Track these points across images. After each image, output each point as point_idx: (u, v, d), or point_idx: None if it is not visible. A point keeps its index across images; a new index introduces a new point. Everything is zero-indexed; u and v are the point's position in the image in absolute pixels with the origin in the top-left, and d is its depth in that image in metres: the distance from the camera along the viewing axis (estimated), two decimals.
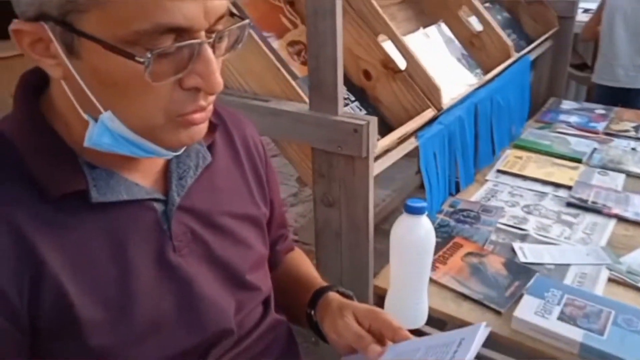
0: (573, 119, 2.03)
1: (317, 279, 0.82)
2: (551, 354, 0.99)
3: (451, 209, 1.44)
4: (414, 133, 1.28)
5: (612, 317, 1.01)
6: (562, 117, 2.05)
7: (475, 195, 1.53)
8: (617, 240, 1.31)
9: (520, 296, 1.09)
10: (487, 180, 1.61)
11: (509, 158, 1.72)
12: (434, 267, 1.20)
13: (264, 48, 1.08)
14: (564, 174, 1.62)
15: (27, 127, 0.56)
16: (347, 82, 1.37)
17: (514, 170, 1.65)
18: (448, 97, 1.41)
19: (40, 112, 0.57)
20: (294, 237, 2.47)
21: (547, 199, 1.50)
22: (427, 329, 1.08)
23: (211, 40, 0.51)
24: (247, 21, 0.57)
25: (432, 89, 1.32)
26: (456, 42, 1.75)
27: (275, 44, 1.28)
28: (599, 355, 0.95)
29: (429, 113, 1.29)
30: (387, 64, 1.34)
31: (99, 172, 0.57)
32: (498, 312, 1.07)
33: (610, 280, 1.17)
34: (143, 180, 0.61)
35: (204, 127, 0.57)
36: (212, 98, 0.56)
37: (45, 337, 0.54)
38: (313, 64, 0.95)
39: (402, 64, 1.34)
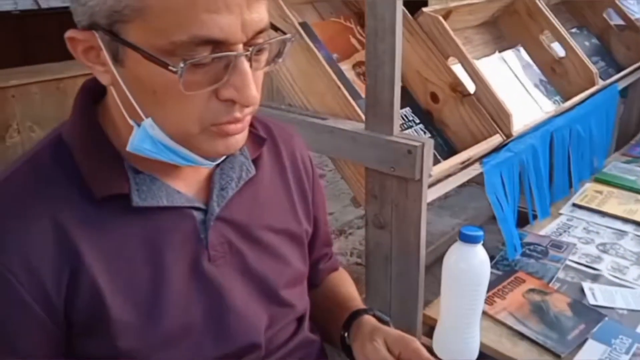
0: None
1: (356, 301, 0.80)
2: None
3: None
4: (480, 159, 1.24)
5: None
6: None
7: (545, 229, 1.44)
8: None
9: (584, 341, 1.01)
10: (560, 214, 1.52)
11: (587, 192, 1.61)
12: (491, 301, 1.15)
13: (327, 67, 1.09)
14: None
15: (80, 131, 0.59)
16: (413, 105, 1.36)
17: (592, 206, 1.54)
18: (520, 124, 1.35)
19: (94, 117, 0.60)
20: (356, 259, 2.45)
21: (627, 238, 1.39)
22: None
23: (248, 53, 0.52)
24: (288, 36, 0.58)
25: (502, 114, 1.27)
26: (535, 67, 1.68)
27: (343, 64, 1.29)
28: None
29: (496, 139, 1.24)
30: (456, 87, 1.31)
31: (143, 177, 0.59)
32: (557, 356, 1.00)
33: None
34: (186, 188, 0.63)
35: (240, 138, 0.58)
36: (248, 110, 0.56)
37: (78, 332, 0.56)
38: (371, 83, 0.94)
39: (471, 87, 1.31)
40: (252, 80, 0.53)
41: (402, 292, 1.04)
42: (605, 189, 1.63)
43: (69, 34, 0.53)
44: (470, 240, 0.94)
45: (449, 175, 1.17)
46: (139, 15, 0.49)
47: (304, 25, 1.29)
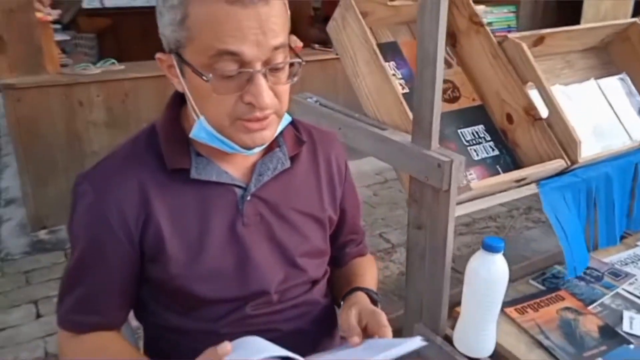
0: None
1: (363, 280, 0.99)
2: None
3: None
4: (538, 181, 1.32)
5: None
6: None
7: (613, 256, 1.46)
8: None
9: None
10: (637, 245, 1.51)
11: None
12: (523, 311, 1.24)
13: (395, 85, 1.27)
14: None
15: (166, 123, 0.86)
16: (488, 123, 1.47)
17: None
18: (593, 152, 1.39)
19: (178, 115, 0.87)
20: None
21: None
22: None
23: (263, 70, 0.75)
24: (297, 60, 0.79)
25: (570, 140, 1.33)
26: (638, 96, 1.66)
27: None
28: None
29: (557, 163, 1.31)
30: (530, 110, 1.39)
31: (202, 159, 0.85)
32: None
33: None
34: (233, 171, 0.88)
35: (266, 135, 0.81)
36: (268, 112, 0.78)
37: (147, 258, 0.84)
38: (417, 103, 1.10)
39: (545, 113, 1.38)
40: (266, 90, 0.75)
41: (432, 287, 1.19)
42: None
43: (158, 55, 0.80)
44: (491, 249, 1.07)
45: (503, 191, 1.29)
46: (190, 42, 0.74)
47: (390, 44, 1.48)
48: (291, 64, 0.80)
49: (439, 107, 1.08)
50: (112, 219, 0.81)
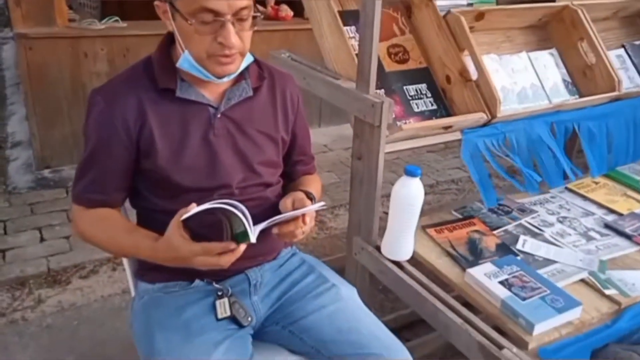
0: None
1: (306, 188, 1.29)
2: (483, 304, 1.28)
3: None
4: (462, 129, 1.62)
5: (544, 294, 1.26)
6: None
7: (526, 198, 1.77)
8: (623, 261, 1.46)
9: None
10: (548, 192, 1.82)
11: (584, 180, 1.88)
12: (440, 231, 1.55)
13: (348, 44, 1.55)
14: (628, 204, 1.73)
15: (159, 54, 1.15)
16: (431, 83, 1.76)
17: (581, 191, 1.81)
18: (512, 110, 1.69)
19: (168, 49, 1.16)
20: None
21: (590, 218, 1.67)
22: (406, 264, 1.44)
23: (232, 20, 1.03)
24: (257, 14, 1.08)
25: (492, 98, 1.63)
26: (562, 68, 1.95)
27: (382, 44, 1.73)
28: (512, 312, 1.22)
29: (478, 115, 1.60)
30: (463, 72, 1.68)
31: (185, 83, 1.14)
32: (463, 269, 1.39)
33: (582, 281, 1.37)
34: (209, 94, 1.17)
35: (232, 67, 1.09)
36: (234, 50, 1.07)
37: (141, 154, 1.13)
38: (360, 57, 1.39)
39: (475, 75, 1.67)
40: (233, 34, 1.04)
41: (367, 206, 1.50)
42: (604, 181, 1.88)
43: (156, 2, 1.09)
44: (410, 174, 1.37)
45: (432, 135, 1.59)
46: None
47: (353, 12, 1.75)
48: (254, 16, 1.08)
49: (376, 59, 1.37)
50: (117, 122, 1.10)
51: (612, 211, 1.70)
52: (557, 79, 1.91)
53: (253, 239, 1.00)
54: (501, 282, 1.30)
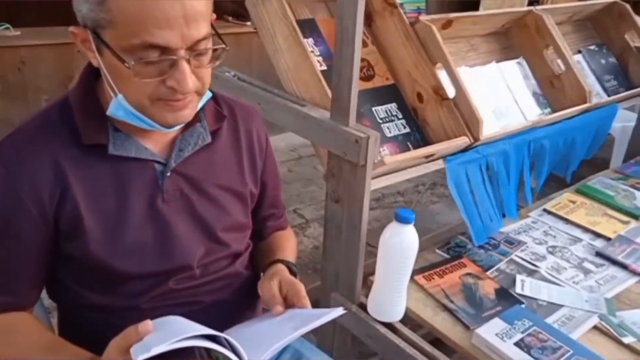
0: None
1: (284, 253, 1.02)
2: None
3: None
4: (445, 157, 1.41)
5: (567, 356, 1.08)
6: None
7: (508, 227, 1.60)
8: (628, 297, 1.33)
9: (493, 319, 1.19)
10: (528, 216, 1.67)
11: (562, 200, 1.75)
12: (430, 278, 1.34)
13: (313, 61, 1.29)
14: (611, 226, 1.61)
15: (80, 95, 0.83)
16: (400, 101, 1.54)
17: (561, 213, 1.68)
18: (493, 130, 1.51)
19: (93, 87, 0.84)
20: None
21: (579, 245, 1.53)
22: (400, 325, 1.22)
23: (187, 57, 0.74)
24: (222, 46, 0.79)
25: (473, 119, 1.43)
26: (532, 79, 1.80)
27: None
28: None
29: (461, 140, 1.40)
30: (438, 90, 1.47)
31: (120, 134, 0.83)
32: (467, 327, 1.18)
33: (595, 328, 1.21)
34: (153, 146, 0.86)
35: (187, 113, 0.80)
36: (189, 94, 0.78)
37: (63, 237, 0.81)
38: (335, 81, 1.14)
39: (452, 92, 1.47)
40: (189, 76, 0.75)
41: (348, 257, 1.25)
42: (580, 199, 1.76)
43: (71, 29, 0.77)
44: (403, 220, 1.14)
45: (413, 166, 1.36)
46: (110, 25, 0.72)
47: (308, 21, 1.49)
48: (214, 49, 0.80)
49: (357, 85, 1.12)
50: (24, 194, 0.78)
51: (597, 235, 1.58)
52: (529, 92, 1.76)
53: None
54: (517, 344, 1.10)
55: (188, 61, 0.75)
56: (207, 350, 0.70)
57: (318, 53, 1.45)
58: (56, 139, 0.80)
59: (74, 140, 0.81)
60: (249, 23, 3.26)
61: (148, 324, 0.67)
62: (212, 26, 0.79)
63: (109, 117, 0.82)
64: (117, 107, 0.78)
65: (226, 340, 0.69)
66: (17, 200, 0.78)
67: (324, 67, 1.42)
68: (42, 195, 0.78)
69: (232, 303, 0.96)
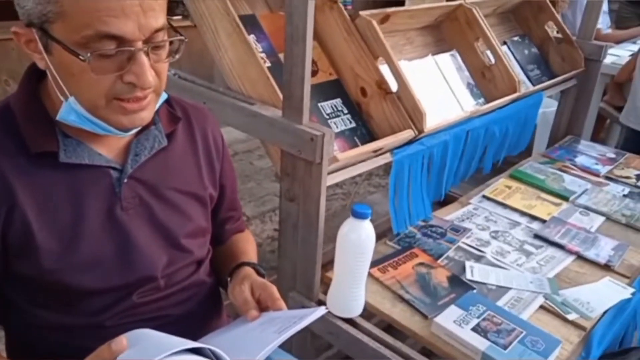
0: (580, 158, 2.09)
1: (246, 257, 1.00)
2: (459, 358, 1.12)
3: (422, 223, 1.57)
4: (392, 150, 1.43)
5: (521, 336, 1.13)
6: (570, 155, 2.11)
7: (452, 214, 1.65)
8: (567, 275, 1.41)
9: (449, 306, 1.22)
10: (469, 203, 1.73)
11: (498, 186, 1.83)
12: (384, 270, 1.36)
13: (259, 59, 1.27)
14: (545, 208, 1.71)
15: (23, 101, 0.77)
16: (345, 97, 1.54)
17: (499, 198, 1.75)
18: (437, 122, 1.55)
19: (36, 91, 0.78)
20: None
21: (518, 228, 1.60)
22: (360, 320, 1.23)
23: (145, 48, 0.70)
24: (181, 37, 0.76)
25: (417, 112, 1.46)
26: (465, 71, 1.87)
27: (281, 55, 1.47)
28: None
29: (407, 133, 1.43)
30: (381, 84, 1.49)
31: (71, 140, 0.78)
32: (425, 316, 1.21)
33: (542, 307, 1.28)
34: (107, 152, 0.81)
35: (144, 115, 0.76)
36: (148, 91, 0.74)
37: (12, 254, 0.75)
38: (286, 79, 1.12)
39: (394, 86, 1.49)
40: (148, 69, 0.71)
41: (305, 255, 1.24)
42: (515, 184, 1.85)
43: (14, 29, 0.71)
44: (359, 216, 1.14)
45: (363, 161, 1.37)
46: (60, 18, 0.67)
47: (249, 17, 1.46)
48: (171, 42, 0.76)
49: (309, 83, 1.11)
50: None
51: (534, 217, 1.66)
52: (463, 84, 1.82)
53: None
54: (474, 329, 1.14)
55: (147, 54, 0.71)
56: None
57: (261, 49, 1.42)
58: (0, 150, 0.74)
59: (20, 149, 0.75)
60: (175, 17, 3.15)
61: (122, 341, 0.64)
62: (167, 19, 0.75)
63: (57, 122, 0.76)
64: (69, 110, 0.73)
65: (211, 351, 0.66)
66: None
67: (268, 64, 1.39)
68: None
69: (199, 313, 0.93)
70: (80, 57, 0.68)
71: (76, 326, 0.80)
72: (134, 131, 0.81)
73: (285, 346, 1.21)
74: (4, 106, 0.77)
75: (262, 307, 0.85)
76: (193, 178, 0.92)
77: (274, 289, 0.86)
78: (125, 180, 0.82)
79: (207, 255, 0.97)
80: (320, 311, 0.82)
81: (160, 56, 0.75)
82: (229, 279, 0.94)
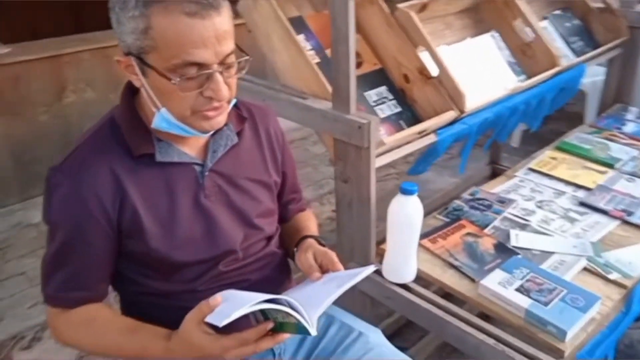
0: (628, 127, 2.12)
1: (309, 230, 1.16)
2: (505, 316, 1.24)
3: (470, 197, 1.68)
4: (436, 130, 1.55)
5: (562, 294, 1.23)
6: (618, 124, 2.15)
7: (498, 187, 1.75)
8: (611, 239, 1.48)
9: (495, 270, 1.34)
10: (515, 176, 1.82)
11: (544, 158, 1.90)
12: (434, 241, 1.49)
13: (309, 58, 1.42)
14: (590, 176, 1.77)
15: (125, 114, 0.96)
16: (390, 84, 1.67)
17: (544, 170, 1.83)
18: (478, 101, 1.65)
19: (134, 105, 0.96)
20: None
21: (563, 197, 1.68)
22: (413, 285, 1.37)
23: (220, 70, 0.87)
24: (246, 58, 0.92)
25: (457, 94, 1.57)
26: (506, 50, 1.94)
27: (328, 51, 1.61)
28: (539, 321, 1.19)
29: (449, 114, 1.54)
30: (422, 70, 1.61)
31: (163, 143, 0.96)
32: (473, 280, 1.33)
33: (585, 269, 1.37)
34: (191, 150, 0.99)
35: (221, 119, 0.93)
36: (224, 102, 0.91)
37: (125, 235, 0.94)
38: (335, 75, 1.27)
39: (435, 71, 1.60)
40: (223, 85, 0.88)
41: (360, 229, 1.39)
42: (560, 155, 1.91)
43: (117, 58, 0.89)
44: (407, 192, 1.28)
45: (409, 142, 1.50)
46: (153, 50, 0.85)
47: (297, 19, 1.61)
48: (239, 61, 0.92)
49: (354, 77, 1.25)
50: (90, 204, 0.90)
51: (579, 186, 1.73)
52: (504, 62, 1.90)
53: (314, 331, 0.85)
54: (518, 290, 1.26)
55: (221, 73, 0.87)
56: (264, 314, 0.84)
57: (310, 47, 1.57)
58: (111, 154, 0.93)
59: (126, 153, 0.93)
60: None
61: (217, 297, 0.82)
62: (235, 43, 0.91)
63: (151, 129, 0.94)
64: (161, 119, 0.91)
65: (286, 301, 0.83)
66: (85, 211, 0.90)
67: (317, 60, 1.54)
68: (105, 203, 0.91)
69: (273, 278, 1.10)
70: (172, 81, 0.85)
71: (175, 291, 0.99)
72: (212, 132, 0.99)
73: (348, 308, 1.36)
74: (109, 119, 0.96)
75: (324, 271, 1.01)
76: (260, 168, 1.08)
77: (333, 255, 1.02)
78: (207, 173, 0.99)
79: (276, 232, 1.14)
80: (370, 268, 0.97)
81: (231, 73, 0.91)
82: (295, 249, 1.11)
